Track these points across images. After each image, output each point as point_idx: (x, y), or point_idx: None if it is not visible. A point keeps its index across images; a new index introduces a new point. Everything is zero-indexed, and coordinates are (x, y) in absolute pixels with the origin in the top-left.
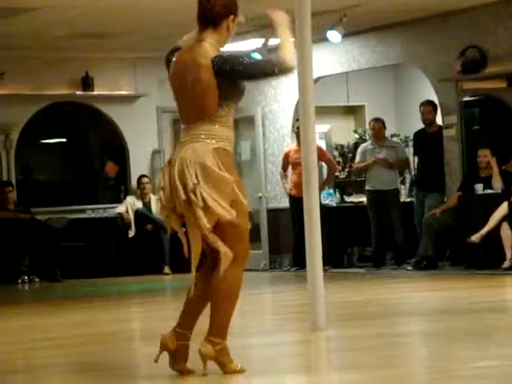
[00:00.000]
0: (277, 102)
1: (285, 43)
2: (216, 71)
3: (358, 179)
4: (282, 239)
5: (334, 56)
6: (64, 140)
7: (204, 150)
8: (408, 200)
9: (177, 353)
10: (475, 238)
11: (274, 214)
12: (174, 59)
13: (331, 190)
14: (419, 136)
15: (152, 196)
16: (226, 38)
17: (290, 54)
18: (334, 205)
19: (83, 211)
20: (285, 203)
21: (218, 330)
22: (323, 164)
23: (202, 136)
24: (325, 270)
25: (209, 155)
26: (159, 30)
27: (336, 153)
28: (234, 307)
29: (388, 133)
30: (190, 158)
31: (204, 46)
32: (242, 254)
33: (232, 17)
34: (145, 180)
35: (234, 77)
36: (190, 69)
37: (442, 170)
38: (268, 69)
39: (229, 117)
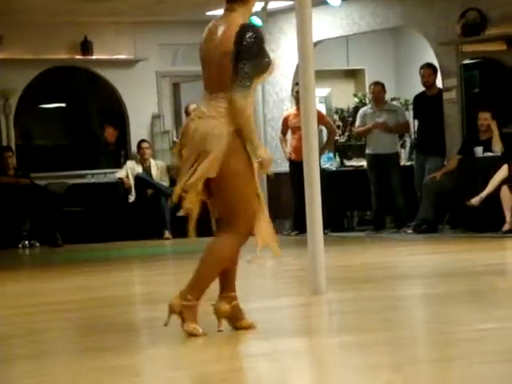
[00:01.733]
0: (276, 66)
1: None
2: (235, 37)
3: (358, 143)
4: (282, 203)
5: (333, 19)
6: (63, 105)
7: (219, 134)
8: (408, 163)
9: (232, 315)
10: (475, 201)
11: (273, 178)
12: (206, 28)
13: (331, 154)
14: (419, 99)
15: (152, 161)
16: (253, 6)
17: (244, 112)
18: (334, 169)
19: (83, 176)
20: (285, 167)
21: (193, 286)
22: (322, 128)
23: (221, 113)
24: (325, 234)
25: (222, 142)
26: None
27: (336, 117)
28: (217, 273)
29: (388, 96)
30: (203, 138)
31: (234, 16)
32: (240, 227)
33: None
34: (144, 145)
35: (237, 57)
36: (216, 35)
37: (441, 134)
38: (236, 84)
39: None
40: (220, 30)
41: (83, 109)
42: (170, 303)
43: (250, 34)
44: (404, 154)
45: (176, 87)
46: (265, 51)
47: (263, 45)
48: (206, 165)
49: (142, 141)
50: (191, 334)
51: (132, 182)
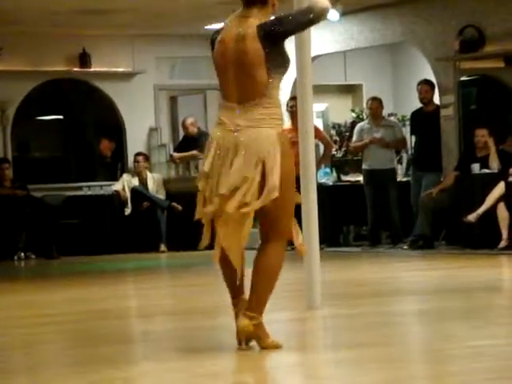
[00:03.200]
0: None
1: None
2: (261, 37)
3: (355, 158)
4: None
5: (332, 34)
6: (61, 117)
7: (267, 138)
8: (405, 179)
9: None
10: (471, 217)
11: None
12: (219, 37)
13: (328, 169)
14: (416, 115)
15: (148, 174)
16: (270, 15)
17: None
18: (331, 184)
19: (80, 188)
20: None
21: (256, 305)
22: (319, 142)
23: (263, 120)
24: (321, 249)
25: (271, 146)
26: (157, 8)
27: (333, 132)
28: (274, 284)
29: (385, 112)
30: (251, 146)
31: (250, 21)
32: (286, 233)
33: None
34: (140, 158)
35: (277, 37)
36: (237, 42)
37: (438, 150)
38: (304, 19)
39: (279, 92)
40: (243, 36)
41: (80, 121)
42: (239, 329)
43: (270, 22)
44: (401, 170)
45: (173, 100)
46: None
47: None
48: (273, 178)
49: (138, 154)
50: (274, 348)
51: (128, 194)
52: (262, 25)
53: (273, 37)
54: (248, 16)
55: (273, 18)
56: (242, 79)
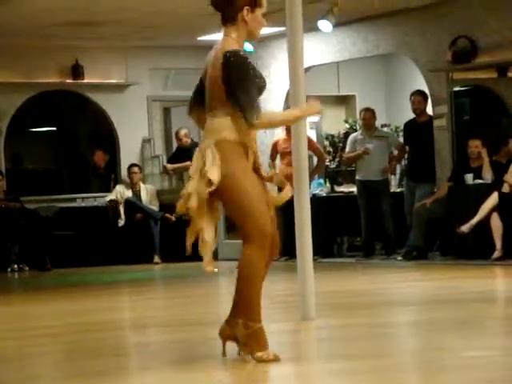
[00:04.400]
0: (267, 91)
1: (282, 115)
2: (223, 65)
3: (349, 169)
4: None
5: (325, 45)
6: (54, 128)
7: (207, 146)
8: (398, 190)
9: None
10: (465, 228)
11: None
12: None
13: (321, 180)
14: (409, 126)
15: (142, 185)
16: (249, 31)
17: (271, 121)
18: (324, 194)
19: (73, 200)
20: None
21: (241, 309)
22: (312, 153)
23: (212, 131)
24: (314, 260)
25: (209, 152)
26: (150, 19)
27: (326, 143)
28: (251, 288)
29: (378, 123)
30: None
31: (227, 40)
32: (253, 233)
33: (247, 8)
34: (133, 170)
35: (230, 85)
36: (208, 61)
37: (432, 160)
38: (247, 110)
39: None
40: (212, 56)
41: (74, 133)
42: (219, 332)
43: (233, 60)
44: (394, 181)
45: (167, 112)
46: (253, 74)
47: (249, 69)
48: (198, 184)
49: (132, 165)
50: (264, 362)
51: (122, 206)
52: (229, 54)
53: (227, 76)
54: (226, 34)
55: (242, 59)
56: (208, 93)
